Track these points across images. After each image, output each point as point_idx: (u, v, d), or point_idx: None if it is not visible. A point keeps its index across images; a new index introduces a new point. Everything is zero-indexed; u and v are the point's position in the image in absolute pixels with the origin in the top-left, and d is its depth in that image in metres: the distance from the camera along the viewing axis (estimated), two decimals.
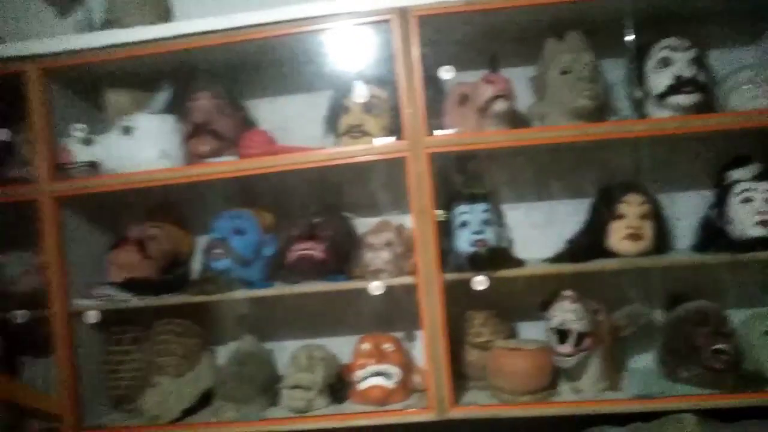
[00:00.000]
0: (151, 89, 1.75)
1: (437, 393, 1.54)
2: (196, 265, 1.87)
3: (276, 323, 1.87)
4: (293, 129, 1.79)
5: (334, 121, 1.63)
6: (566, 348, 1.54)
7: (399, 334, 1.78)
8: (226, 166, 1.59)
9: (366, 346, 1.67)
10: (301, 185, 1.78)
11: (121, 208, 1.88)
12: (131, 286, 1.66)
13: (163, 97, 1.72)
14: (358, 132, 1.57)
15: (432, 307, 1.52)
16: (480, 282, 1.53)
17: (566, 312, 1.56)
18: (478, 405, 1.57)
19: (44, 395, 1.78)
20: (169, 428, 1.63)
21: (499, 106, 1.55)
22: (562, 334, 1.55)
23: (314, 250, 1.63)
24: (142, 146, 1.66)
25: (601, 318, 1.61)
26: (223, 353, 1.86)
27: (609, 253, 1.62)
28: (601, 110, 1.65)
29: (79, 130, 1.64)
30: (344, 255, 1.67)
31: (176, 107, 1.73)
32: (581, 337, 1.54)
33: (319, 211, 1.73)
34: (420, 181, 1.51)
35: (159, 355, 1.69)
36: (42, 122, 1.63)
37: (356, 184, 1.79)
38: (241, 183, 1.75)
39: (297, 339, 1.84)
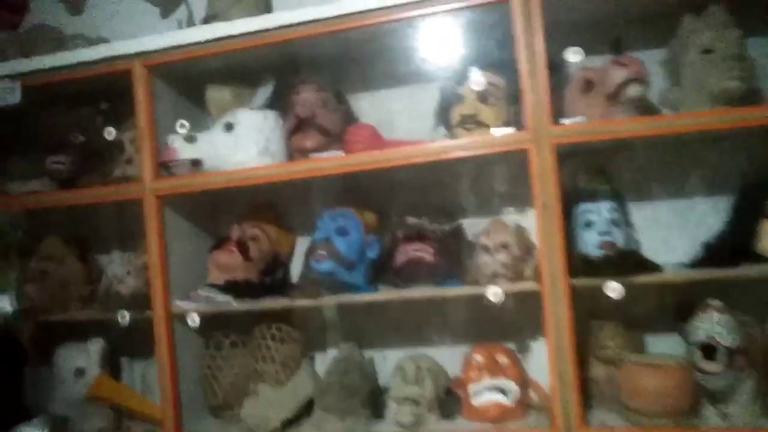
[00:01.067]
0: (253, 84, 1.69)
1: (563, 412, 1.37)
2: (294, 268, 1.80)
3: (376, 330, 1.76)
4: (398, 123, 1.68)
5: (446, 112, 1.51)
6: (714, 365, 1.35)
7: (510, 345, 1.63)
8: (332, 161, 1.50)
9: (479, 357, 1.53)
10: (406, 182, 1.67)
11: (221, 208, 1.84)
12: (232, 288, 1.60)
13: (264, 92, 1.66)
14: (472, 123, 1.44)
15: (558, 315, 1.36)
16: (614, 289, 1.35)
17: (714, 324, 1.36)
18: (608, 427, 1.40)
19: (145, 399, 1.75)
20: None
21: (634, 90, 1.38)
22: (709, 350, 1.35)
23: (424, 252, 1.50)
24: (243, 143, 1.60)
25: (754, 332, 1.40)
26: (321, 361, 1.77)
27: (758, 257, 1.41)
28: (749, 94, 1.44)
29: (183, 127, 1.59)
30: (455, 258, 1.54)
31: (278, 102, 1.66)
32: (732, 353, 1.34)
33: (427, 210, 1.60)
34: (544, 176, 1.36)
35: (259, 361, 1.61)
36: (147, 120, 1.60)
37: (468, 181, 1.66)
38: (343, 180, 1.66)
39: (397, 348, 1.73)
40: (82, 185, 1.71)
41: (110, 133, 1.68)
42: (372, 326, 1.76)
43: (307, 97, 1.59)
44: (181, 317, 1.62)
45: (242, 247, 1.64)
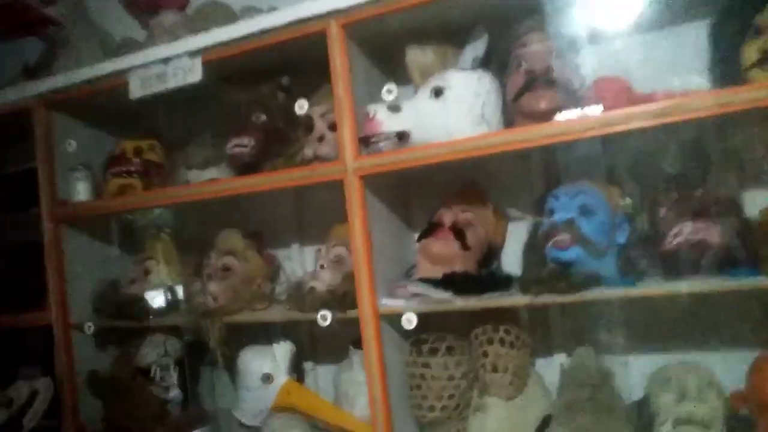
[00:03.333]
0: (459, 43, 1.43)
1: None
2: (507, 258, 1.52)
3: (614, 332, 1.44)
4: (639, 76, 1.35)
5: (730, 51, 1.16)
6: None
7: None
8: (585, 122, 1.19)
9: None
10: (662, 148, 1.34)
11: (421, 189, 1.59)
12: (450, 282, 1.33)
13: (475, 48, 1.39)
14: None
15: None
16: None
17: None
18: None
19: (341, 410, 1.54)
20: None
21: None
22: None
23: (707, 232, 1.17)
24: (456, 109, 1.34)
25: None
26: (548, 369, 1.48)
27: None
28: None
29: (390, 93, 1.36)
30: (742, 239, 1.19)
31: (493, 60, 1.39)
32: None
33: (697, 181, 1.27)
34: None
35: (487, 370, 1.34)
36: (345, 88, 1.38)
37: (752, 142, 1.30)
38: (579, 149, 1.35)
39: (644, 353, 1.41)
40: (269, 169, 1.52)
41: (302, 106, 1.47)
42: (608, 327, 1.44)
43: (538, 49, 1.30)
44: (390, 317, 1.38)
45: (459, 235, 1.37)
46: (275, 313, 1.57)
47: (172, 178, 1.73)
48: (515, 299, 1.28)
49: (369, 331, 1.36)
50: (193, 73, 1.49)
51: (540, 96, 1.27)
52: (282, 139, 1.56)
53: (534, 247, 1.37)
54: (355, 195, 1.36)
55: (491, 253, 1.47)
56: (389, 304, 1.37)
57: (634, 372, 1.40)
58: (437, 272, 1.36)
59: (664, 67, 1.34)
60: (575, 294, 1.23)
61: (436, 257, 1.37)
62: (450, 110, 1.35)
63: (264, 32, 1.44)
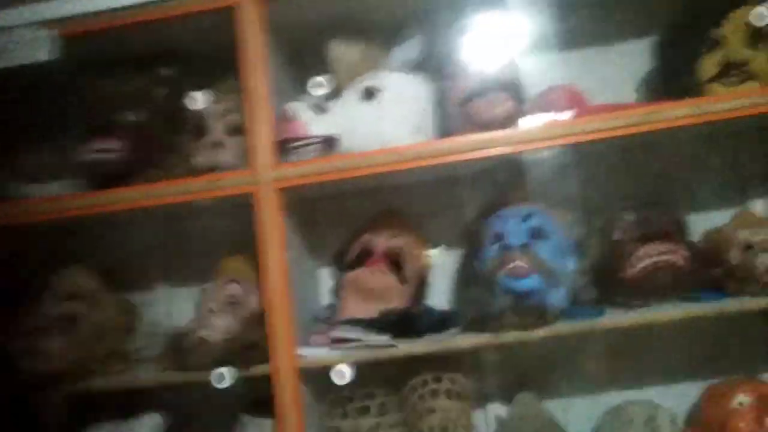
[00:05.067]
0: (386, 44, 1.24)
1: None
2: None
3: (553, 371, 1.29)
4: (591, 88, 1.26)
5: (690, 62, 1.12)
6: None
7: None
8: (556, 128, 1.05)
9: (745, 399, 1.10)
10: (608, 166, 1.25)
11: (337, 211, 1.33)
12: (389, 322, 1.08)
13: (407, 50, 1.21)
14: (737, 73, 1.06)
15: None
16: None
17: None
18: None
19: None
20: None
21: None
22: None
23: (675, 255, 1.08)
24: (391, 114, 1.14)
25: None
26: (481, 419, 1.27)
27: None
28: None
29: (319, 87, 1.11)
30: (706, 260, 1.13)
31: (427, 64, 1.22)
32: None
33: (644, 202, 1.19)
34: None
35: (424, 427, 1.09)
36: (260, 77, 1.09)
37: (700, 160, 1.25)
38: (515, 167, 1.21)
39: (589, 393, 1.28)
40: (142, 183, 1.15)
41: (195, 101, 1.15)
42: (544, 367, 1.28)
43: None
44: (311, 372, 1.08)
45: (396, 265, 1.14)
46: (145, 376, 1.16)
47: None
48: (472, 340, 1.07)
49: (286, 391, 1.04)
50: (44, 49, 1.10)
51: (493, 102, 1.12)
52: (158, 146, 1.21)
53: (473, 278, 1.18)
54: (270, 213, 1.07)
55: (424, 285, 1.25)
56: (313, 354, 1.07)
57: (581, 415, 1.26)
58: (370, 310, 1.11)
59: (602, 83, 1.28)
60: (543, 329, 1.05)
61: (370, 292, 1.12)
62: (385, 115, 1.14)
63: (146, 4, 1.12)
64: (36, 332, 1.15)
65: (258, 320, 1.12)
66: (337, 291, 1.18)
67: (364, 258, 1.16)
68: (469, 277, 1.20)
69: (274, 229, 1.06)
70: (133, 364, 1.24)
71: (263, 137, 1.08)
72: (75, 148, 1.19)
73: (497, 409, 1.27)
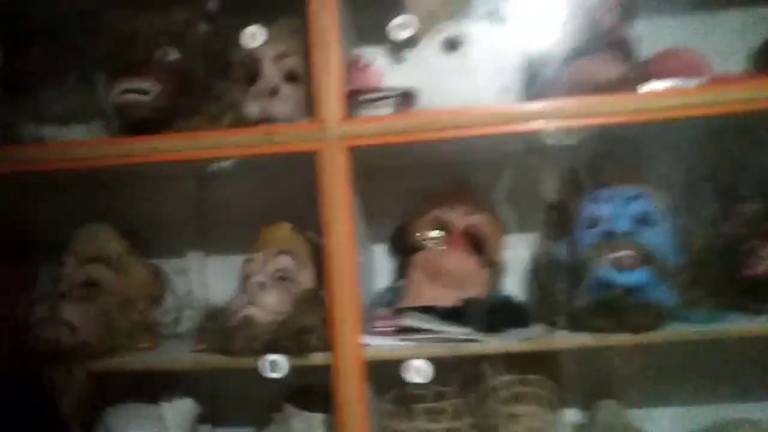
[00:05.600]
0: None
1: None
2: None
3: (640, 378, 1.13)
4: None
5: None
6: None
7: None
8: (677, 96, 0.88)
9: None
10: (726, 145, 1.07)
11: (398, 182, 1.15)
12: (470, 313, 0.92)
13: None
14: None
15: None
16: None
17: None
18: None
19: None
20: None
21: None
22: None
23: None
24: (476, 70, 0.96)
25: None
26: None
27: None
28: None
29: (400, 29, 0.93)
30: None
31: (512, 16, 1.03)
32: None
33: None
34: None
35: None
36: (331, 13, 0.91)
37: None
38: (619, 140, 1.03)
39: (680, 405, 1.13)
40: (182, 130, 0.98)
41: (253, 37, 0.97)
42: (629, 373, 1.13)
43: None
44: (376, 365, 0.92)
45: (476, 245, 0.97)
46: (179, 357, 1.00)
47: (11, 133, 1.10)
48: (574, 340, 0.91)
49: (350, 385, 0.89)
50: None
51: (604, 63, 0.93)
52: (201, 90, 1.04)
53: (561, 268, 1.02)
54: (336, 176, 0.90)
55: (499, 273, 1.08)
56: (380, 345, 0.91)
57: (668, 428, 1.11)
58: (446, 298, 0.94)
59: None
60: (655, 332, 0.89)
61: (447, 276, 0.96)
62: (470, 70, 0.96)
63: None
64: (55, 299, 1.00)
65: (313, 300, 0.96)
66: (404, 273, 1.02)
67: (438, 237, 0.99)
68: (554, 267, 1.04)
69: (341, 195, 0.89)
70: (160, 339, 1.09)
71: (332, 87, 0.91)
72: (105, 88, 1.02)
73: (572, 416, 1.13)
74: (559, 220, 1.07)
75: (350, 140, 0.90)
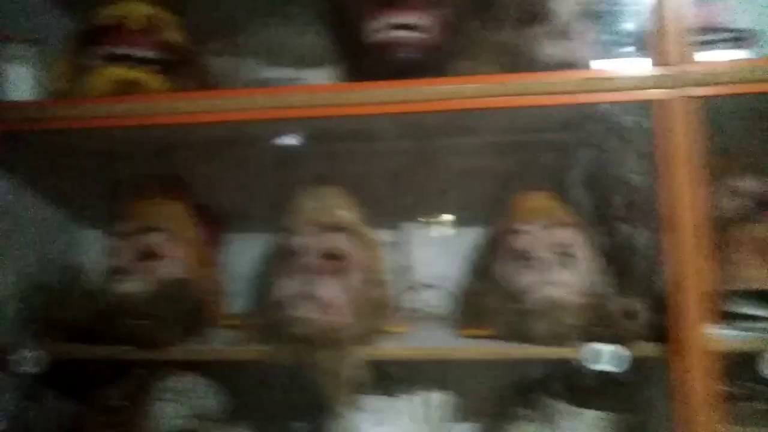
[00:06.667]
0: None
1: None
2: None
3: None
4: None
5: None
6: None
7: None
8: None
9: None
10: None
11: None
12: None
13: None
14: None
15: None
16: None
17: None
18: None
19: None
20: None
21: None
22: None
23: None
24: None
25: None
26: None
27: None
28: None
29: None
30: None
31: None
32: None
33: None
34: None
35: None
36: None
37: None
38: None
39: None
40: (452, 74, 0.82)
41: None
42: None
43: None
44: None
45: None
46: (450, 344, 0.85)
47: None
48: None
49: (696, 381, 0.74)
50: None
51: None
52: (470, 30, 0.88)
53: None
54: (682, 134, 0.74)
55: None
56: (725, 335, 0.77)
57: None
58: None
59: None
60: None
61: None
62: None
63: None
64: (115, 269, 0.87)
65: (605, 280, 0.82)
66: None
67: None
68: None
69: (687, 158, 0.74)
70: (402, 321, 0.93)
71: (674, 23, 0.75)
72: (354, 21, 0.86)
73: None
74: None
75: (700, 89, 0.74)
